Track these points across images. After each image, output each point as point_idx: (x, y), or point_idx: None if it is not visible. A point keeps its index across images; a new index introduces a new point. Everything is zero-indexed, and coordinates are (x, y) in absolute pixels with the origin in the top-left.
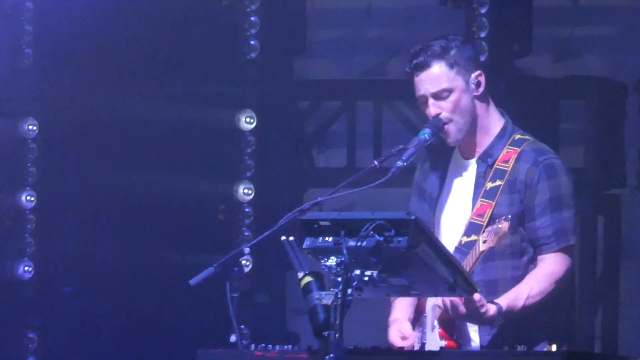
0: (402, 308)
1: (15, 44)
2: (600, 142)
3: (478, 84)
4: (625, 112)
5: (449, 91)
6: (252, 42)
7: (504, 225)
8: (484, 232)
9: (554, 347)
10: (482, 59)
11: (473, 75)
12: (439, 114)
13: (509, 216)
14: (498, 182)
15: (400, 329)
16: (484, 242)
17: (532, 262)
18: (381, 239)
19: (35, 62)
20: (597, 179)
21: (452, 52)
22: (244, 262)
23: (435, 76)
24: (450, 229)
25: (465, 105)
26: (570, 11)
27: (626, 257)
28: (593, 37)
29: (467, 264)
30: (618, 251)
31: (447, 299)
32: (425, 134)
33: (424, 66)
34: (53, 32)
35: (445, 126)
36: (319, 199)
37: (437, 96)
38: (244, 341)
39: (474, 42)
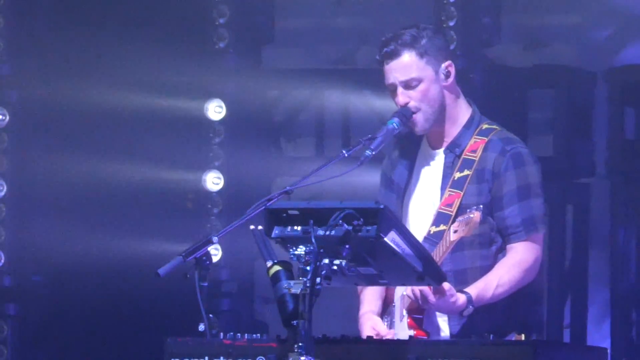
0: (371, 301)
1: None
2: (569, 131)
3: (448, 74)
4: (594, 101)
5: (418, 80)
6: (221, 31)
7: (475, 215)
8: (454, 222)
9: (522, 337)
10: (451, 47)
11: (443, 66)
12: (407, 103)
13: (480, 206)
14: (466, 172)
15: (374, 326)
16: (455, 232)
17: (501, 252)
18: (350, 228)
19: (4, 51)
20: (565, 168)
21: (423, 41)
22: (212, 251)
23: (405, 65)
24: (419, 219)
25: (433, 95)
26: (539, 1)
27: (595, 246)
28: (562, 26)
29: (437, 253)
30: (587, 240)
31: (417, 289)
32: (394, 123)
33: (394, 55)
34: (23, 22)
35: (414, 115)
36: (288, 188)
37: (407, 85)
38: (212, 330)
39: (444, 31)
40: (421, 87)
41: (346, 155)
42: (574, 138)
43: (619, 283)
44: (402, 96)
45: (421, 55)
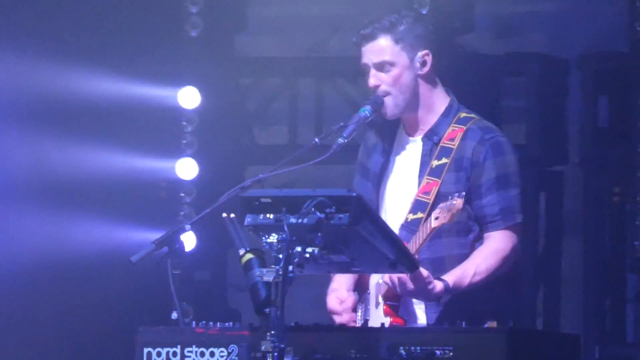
0: (340, 278)
1: None
2: (542, 119)
3: (424, 63)
4: (567, 89)
5: (391, 64)
6: (193, 19)
7: (457, 202)
8: (434, 209)
9: (495, 324)
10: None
11: (419, 54)
12: (378, 86)
13: (463, 193)
14: (444, 160)
15: (338, 295)
16: (436, 218)
17: (478, 240)
18: (322, 215)
19: None
20: (539, 156)
21: (401, 27)
22: (187, 240)
23: (380, 48)
24: (396, 207)
25: (405, 82)
26: None
27: (568, 234)
28: (534, 14)
29: (416, 240)
30: (560, 227)
31: (395, 276)
32: (366, 110)
33: (369, 37)
34: None
35: (384, 99)
36: (260, 175)
37: (379, 67)
38: (185, 318)
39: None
40: (393, 72)
41: (318, 143)
42: (547, 126)
43: (592, 270)
44: (374, 78)
45: (397, 40)
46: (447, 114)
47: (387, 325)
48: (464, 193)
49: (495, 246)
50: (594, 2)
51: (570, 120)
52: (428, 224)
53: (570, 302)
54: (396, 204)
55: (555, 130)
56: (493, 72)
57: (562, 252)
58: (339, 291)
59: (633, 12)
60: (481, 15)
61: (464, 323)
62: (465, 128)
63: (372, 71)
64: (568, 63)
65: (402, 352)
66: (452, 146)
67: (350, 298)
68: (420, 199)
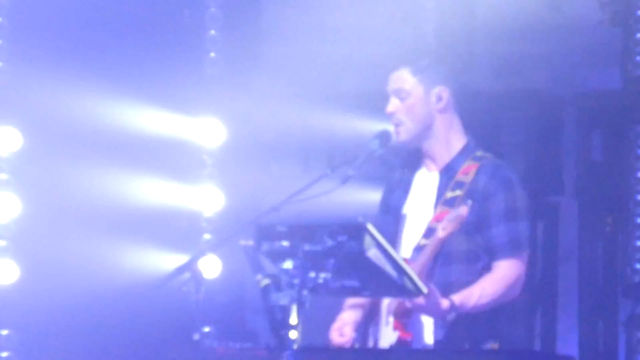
0: (349, 307)
1: None
2: (539, 153)
3: (439, 98)
4: (562, 124)
5: (407, 93)
6: (213, 60)
7: (462, 209)
8: (443, 220)
9: (497, 346)
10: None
11: (436, 89)
12: (393, 113)
13: (469, 201)
14: (458, 192)
15: (339, 328)
16: (443, 229)
17: (486, 269)
18: (335, 243)
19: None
20: (536, 187)
21: (422, 63)
22: (205, 265)
23: (399, 77)
24: (411, 233)
25: (419, 112)
26: (511, 30)
27: (564, 260)
28: (532, 54)
29: (425, 253)
30: (556, 254)
31: None
32: (375, 144)
33: (394, 68)
34: (25, 36)
35: (397, 127)
36: (276, 205)
37: (396, 94)
38: (206, 339)
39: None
40: (408, 101)
41: (330, 174)
42: (544, 159)
43: (587, 295)
44: (391, 105)
45: (414, 72)
46: (464, 152)
47: (394, 338)
48: (469, 201)
49: (502, 274)
50: (589, 43)
51: (565, 154)
52: (436, 236)
53: (566, 325)
54: (412, 230)
55: (552, 164)
56: (493, 109)
57: (558, 277)
58: (343, 326)
59: (625, 53)
60: (482, 55)
61: (467, 344)
62: (479, 164)
63: (392, 98)
64: (563, 100)
65: None
66: (466, 180)
67: (348, 335)
68: (432, 226)
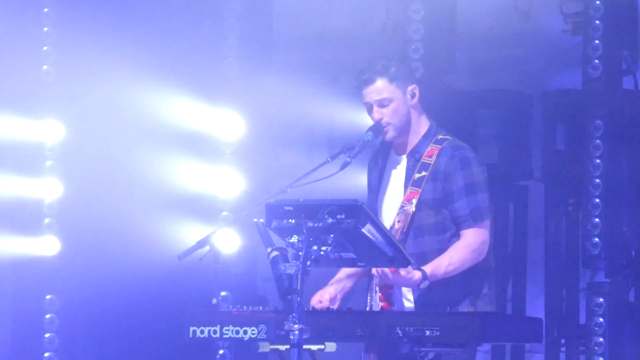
0: (338, 277)
1: None
2: (511, 143)
3: (413, 95)
4: (531, 119)
5: (390, 100)
6: (230, 62)
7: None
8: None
9: (473, 309)
10: (417, 76)
11: (409, 88)
12: (381, 119)
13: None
14: (423, 173)
15: (321, 293)
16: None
17: (455, 237)
18: (334, 220)
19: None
20: (508, 173)
21: (392, 69)
22: (224, 239)
23: (379, 89)
24: (388, 212)
25: (402, 112)
26: (487, 37)
27: (532, 236)
28: (505, 57)
29: (399, 229)
30: (525, 231)
31: (380, 269)
32: (368, 135)
33: (369, 81)
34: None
35: (385, 127)
36: (284, 188)
37: (380, 104)
38: (223, 303)
39: (410, 62)
40: (392, 105)
41: (330, 161)
42: (515, 148)
43: (552, 266)
44: (377, 113)
45: (391, 80)
46: (427, 135)
47: (379, 308)
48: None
49: (466, 241)
50: (554, 49)
51: (533, 144)
52: (407, 212)
53: (534, 291)
54: (389, 209)
55: (521, 152)
56: (470, 106)
57: (527, 250)
58: (326, 289)
59: (585, 58)
60: (461, 58)
61: (448, 308)
62: (440, 147)
63: (375, 107)
64: (532, 98)
65: (398, 331)
66: (430, 162)
67: (326, 301)
68: (404, 205)
